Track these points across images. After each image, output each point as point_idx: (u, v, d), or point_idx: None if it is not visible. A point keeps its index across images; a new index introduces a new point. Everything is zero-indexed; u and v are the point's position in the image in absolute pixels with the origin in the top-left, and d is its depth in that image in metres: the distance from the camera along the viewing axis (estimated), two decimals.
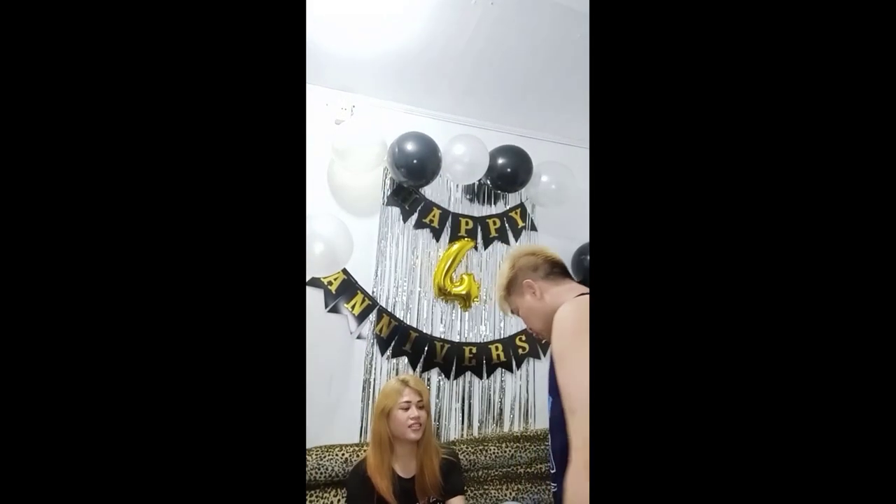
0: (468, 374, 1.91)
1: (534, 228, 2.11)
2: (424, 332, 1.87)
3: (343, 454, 1.56)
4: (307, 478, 1.51)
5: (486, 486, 1.74)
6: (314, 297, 1.75)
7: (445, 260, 1.93)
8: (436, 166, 1.81)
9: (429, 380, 1.85)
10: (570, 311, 0.90)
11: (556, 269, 1.09)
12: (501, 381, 1.96)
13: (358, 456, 1.55)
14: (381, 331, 1.81)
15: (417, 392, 1.40)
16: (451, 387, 1.88)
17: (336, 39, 1.68)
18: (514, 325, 2.00)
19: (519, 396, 1.97)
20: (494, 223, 2.05)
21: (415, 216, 1.94)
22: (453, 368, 1.89)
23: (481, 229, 2.02)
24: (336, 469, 1.54)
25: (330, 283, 1.77)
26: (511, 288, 1.11)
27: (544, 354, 2.02)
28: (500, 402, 1.94)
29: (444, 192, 2.00)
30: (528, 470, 1.82)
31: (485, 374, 1.93)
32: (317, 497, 1.53)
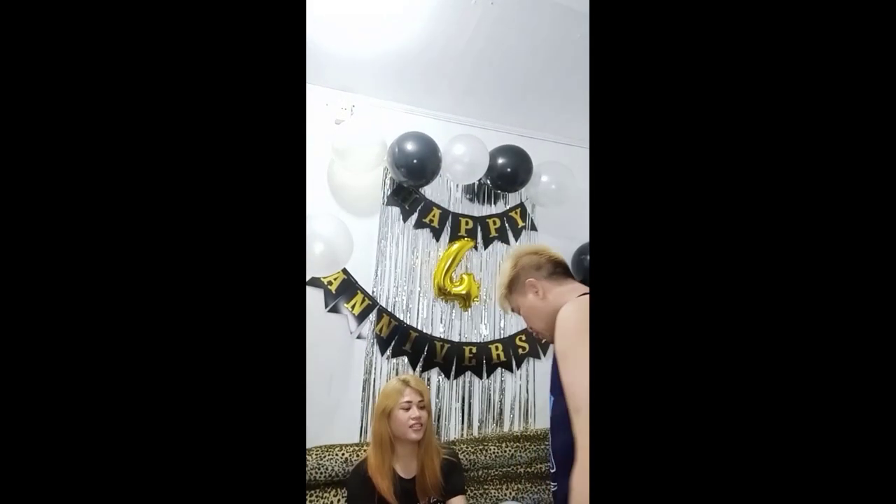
0: (468, 373, 1.91)
1: (534, 228, 2.11)
2: (424, 332, 1.87)
3: (343, 454, 1.56)
4: (307, 478, 1.51)
5: (486, 486, 1.74)
6: (314, 297, 1.75)
7: (445, 260, 1.93)
8: (436, 166, 1.81)
9: (429, 380, 1.85)
10: (574, 310, 0.90)
11: (559, 269, 1.09)
12: (501, 380, 1.96)
13: (358, 456, 1.55)
14: (381, 331, 1.81)
15: (418, 392, 1.39)
16: (451, 387, 1.88)
17: (336, 39, 1.68)
18: (514, 325, 2.00)
19: (519, 396, 1.97)
20: (494, 223, 2.05)
21: (415, 216, 1.94)
22: (453, 368, 1.89)
23: (481, 229, 2.02)
24: (336, 469, 1.54)
25: (330, 283, 1.77)
26: (513, 286, 1.11)
27: (544, 354, 2.02)
28: (500, 401, 1.94)
29: (444, 191, 2.00)
30: (528, 470, 1.82)
31: (485, 374, 1.93)
32: (317, 497, 1.53)
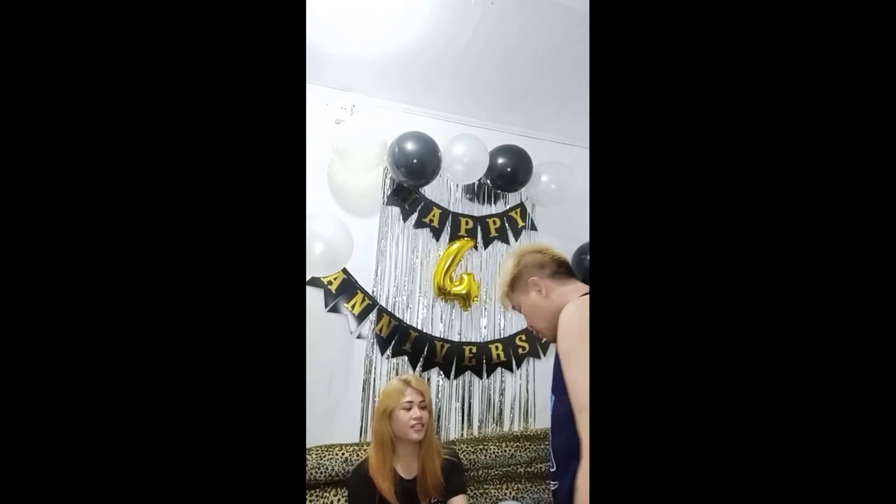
0: (468, 373, 1.91)
1: (534, 228, 2.11)
2: (424, 331, 1.87)
3: (343, 454, 1.56)
4: (307, 477, 1.51)
5: (485, 486, 1.74)
6: (314, 297, 1.75)
7: (445, 259, 1.93)
8: (436, 166, 1.81)
9: (429, 379, 1.85)
10: (576, 310, 0.91)
11: (562, 269, 1.09)
12: (501, 380, 1.96)
13: (358, 456, 1.55)
14: (381, 330, 1.81)
15: (419, 392, 1.39)
16: (451, 386, 1.88)
17: (336, 39, 1.68)
18: (514, 325, 2.00)
19: (519, 396, 1.97)
20: (494, 223, 2.05)
21: (415, 216, 1.94)
22: (453, 368, 1.89)
23: (481, 229, 2.02)
24: (336, 469, 1.54)
25: (330, 282, 1.77)
26: (515, 284, 1.11)
27: (544, 354, 2.03)
28: (500, 401, 1.94)
29: (444, 191, 2.00)
30: (528, 469, 1.82)
31: (485, 374, 1.93)
32: (317, 497, 1.53)
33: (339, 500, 1.53)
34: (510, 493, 1.76)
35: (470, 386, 1.91)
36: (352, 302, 1.79)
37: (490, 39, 1.71)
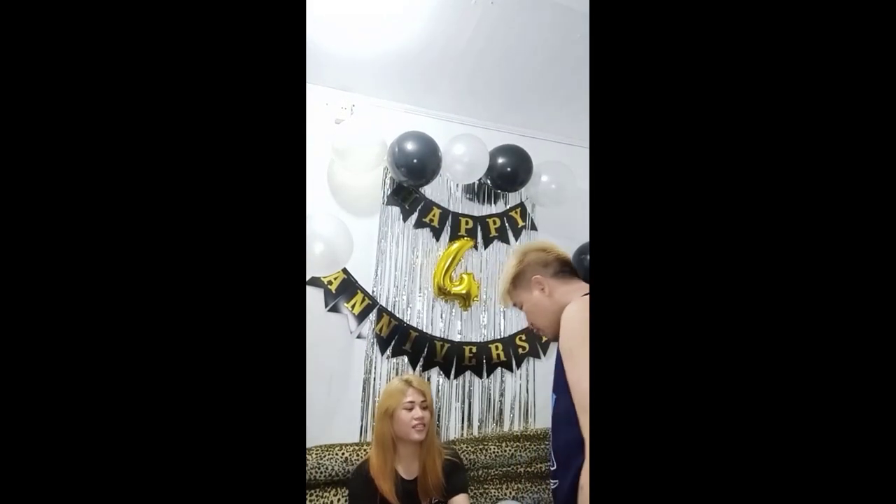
0: (468, 373, 1.91)
1: (534, 228, 2.11)
2: (424, 331, 1.87)
3: (343, 454, 1.56)
4: (307, 477, 1.51)
5: (485, 486, 1.74)
6: (314, 297, 1.75)
7: (445, 259, 1.93)
8: (436, 166, 1.81)
9: (429, 379, 1.85)
10: (579, 309, 0.91)
11: (565, 269, 1.09)
12: (501, 380, 1.96)
13: (358, 456, 1.55)
14: (381, 330, 1.81)
15: (421, 392, 1.39)
16: (451, 386, 1.88)
17: (336, 39, 1.68)
18: (514, 324, 2.00)
19: (519, 396, 1.97)
20: (494, 223, 2.05)
21: (415, 216, 1.94)
22: (453, 368, 1.89)
23: (481, 229, 2.02)
24: (336, 468, 1.54)
25: (330, 282, 1.77)
26: (517, 282, 1.11)
27: (544, 354, 2.03)
28: (500, 401, 1.94)
29: (444, 191, 2.00)
30: (528, 469, 1.82)
31: (485, 374, 1.93)
32: (317, 497, 1.53)
33: (339, 500, 1.53)
34: (510, 493, 1.76)
35: (470, 386, 1.91)
36: (352, 302, 1.79)
37: (490, 39, 1.71)
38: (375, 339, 1.81)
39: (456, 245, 1.96)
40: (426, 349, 1.85)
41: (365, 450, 1.57)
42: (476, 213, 2.03)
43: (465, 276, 1.95)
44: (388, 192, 1.91)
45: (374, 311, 1.82)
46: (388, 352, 1.81)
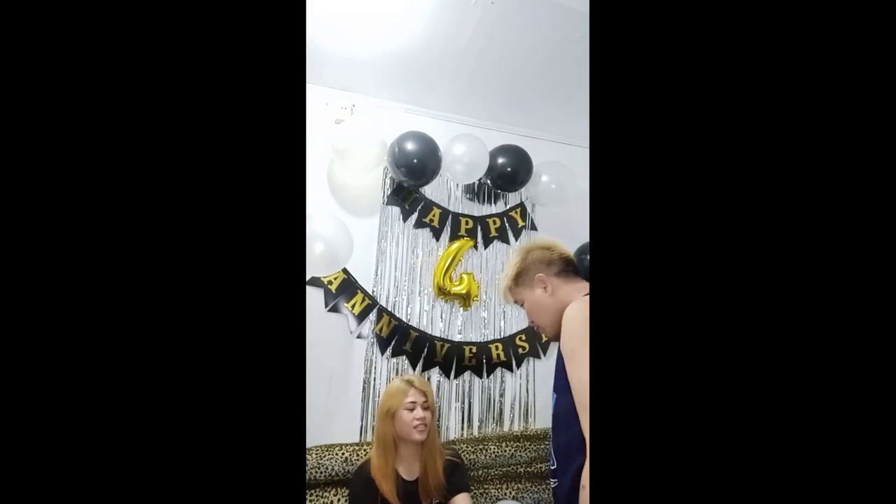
0: (468, 373, 1.91)
1: (534, 228, 2.11)
2: (424, 331, 1.87)
3: (343, 454, 1.56)
4: (307, 477, 1.51)
5: (485, 486, 1.74)
6: (314, 297, 1.75)
7: (444, 259, 1.93)
8: (436, 166, 1.81)
9: (429, 379, 1.85)
10: (580, 308, 0.91)
11: (569, 268, 1.09)
12: (501, 380, 1.96)
13: (358, 456, 1.55)
14: (381, 330, 1.81)
15: (422, 392, 1.39)
16: (451, 386, 1.88)
17: (336, 39, 1.68)
18: (514, 324, 2.00)
19: (519, 396, 1.97)
20: (494, 223, 2.05)
21: (415, 216, 1.94)
22: (453, 368, 1.89)
23: (481, 229, 2.02)
24: (336, 468, 1.54)
25: (330, 282, 1.77)
26: (520, 279, 1.11)
27: (544, 354, 2.03)
28: (500, 401, 1.94)
29: (444, 191, 2.00)
30: (528, 469, 1.82)
31: (485, 374, 1.93)
32: (317, 497, 1.53)
33: (339, 500, 1.53)
34: (510, 493, 1.76)
35: (470, 386, 1.91)
36: (352, 302, 1.79)
37: (490, 39, 1.71)
38: (375, 339, 1.80)
39: (456, 245, 1.96)
40: (426, 349, 1.85)
41: (365, 450, 1.57)
42: (476, 213, 2.03)
43: (465, 276, 1.95)
44: (388, 192, 1.91)
45: (374, 311, 1.82)
46: (388, 352, 1.81)
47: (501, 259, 2.01)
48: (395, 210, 1.92)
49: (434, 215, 1.95)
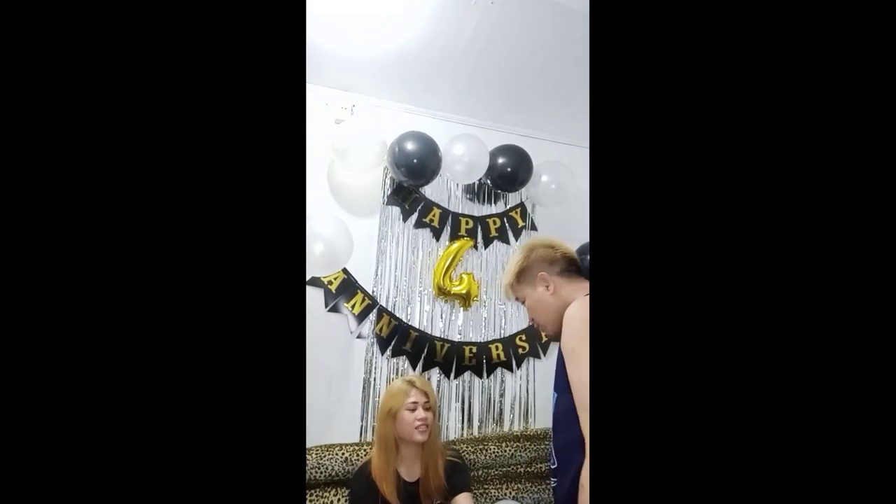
0: (468, 373, 1.91)
1: (534, 228, 2.11)
2: (424, 331, 1.87)
3: (343, 454, 1.56)
4: (307, 477, 1.51)
5: (485, 486, 1.74)
6: (314, 297, 1.75)
7: (444, 259, 1.93)
8: (436, 166, 1.80)
9: (429, 379, 1.85)
10: (581, 308, 0.91)
11: (572, 267, 1.09)
12: (501, 380, 1.96)
13: (358, 456, 1.55)
14: (381, 330, 1.81)
15: (424, 393, 1.38)
16: (451, 386, 1.88)
17: (336, 39, 1.67)
18: (514, 324, 2.00)
19: (519, 396, 1.97)
20: (494, 223, 2.05)
21: (415, 216, 1.94)
22: (453, 368, 1.89)
23: (481, 229, 2.02)
24: (336, 468, 1.54)
25: (330, 282, 1.77)
26: (522, 277, 1.11)
27: (544, 354, 2.03)
28: (500, 401, 1.94)
29: (444, 191, 2.00)
30: (528, 469, 1.82)
31: (485, 374, 1.93)
32: (317, 497, 1.53)
33: (339, 500, 1.53)
34: (510, 493, 1.76)
35: (470, 386, 1.91)
36: (352, 302, 1.79)
37: (490, 39, 1.71)
38: (375, 339, 1.80)
39: (456, 245, 1.96)
40: (426, 349, 1.85)
41: (365, 450, 1.57)
42: (476, 213, 2.03)
43: (465, 276, 1.95)
44: (388, 192, 1.91)
45: (374, 311, 1.81)
46: (388, 352, 1.81)
47: (501, 259, 2.01)
48: (395, 210, 1.92)
49: (434, 215, 1.95)
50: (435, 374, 1.87)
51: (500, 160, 1.92)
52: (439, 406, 1.84)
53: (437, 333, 1.89)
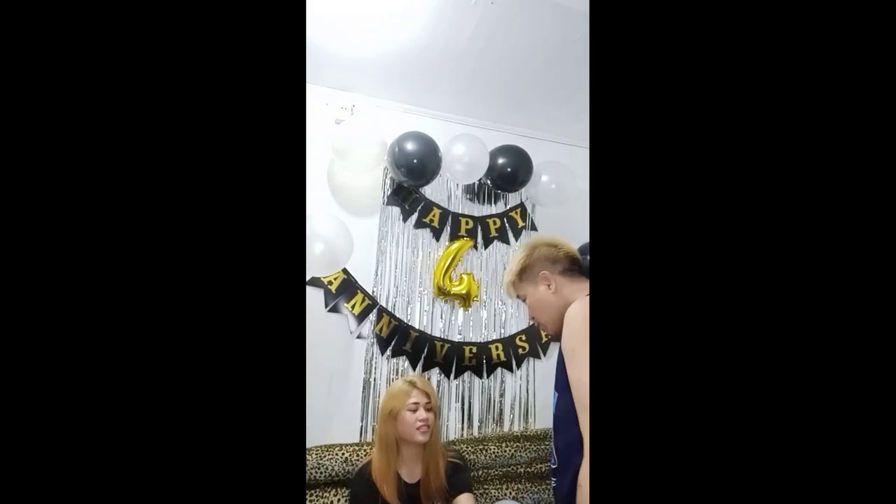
0: (468, 373, 1.91)
1: (534, 228, 2.11)
2: (424, 331, 1.87)
3: (343, 454, 1.56)
4: (307, 478, 1.51)
5: (485, 486, 1.74)
6: (314, 297, 1.75)
7: (444, 259, 1.92)
8: (436, 166, 1.80)
9: (429, 379, 1.85)
10: (582, 308, 0.91)
11: (574, 267, 1.09)
12: (501, 380, 1.96)
13: (358, 456, 1.55)
14: (381, 330, 1.81)
15: (425, 393, 1.38)
16: (451, 386, 1.88)
17: (336, 39, 1.67)
18: (514, 324, 2.00)
19: (519, 396, 1.97)
20: (494, 223, 2.05)
21: (415, 216, 1.93)
22: (453, 368, 1.89)
23: (481, 229, 2.02)
24: (336, 469, 1.54)
25: (330, 282, 1.77)
26: (524, 275, 1.11)
27: (544, 354, 2.02)
28: (500, 402, 1.94)
29: (444, 191, 2.00)
30: (528, 469, 1.81)
31: (485, 374, 1.93)
32: (317, 497, 1.53)
33: (339, 500, 1.53)
34: (510, 493, 1.76)
35: (470, 386, 1.91)
36: (352, 302, 1.79)
37: (490, 39, 1.71)
38: (375, 340, 1.80)
39: (456, 245, 1.95)
40: (426, 349, 1.85)
41: (365, 450, 1.57)
42: (476, 214, 2.03)
43: (465, 276, 1.95)
44: (388, 193, 1.91)
45: (374, 311, 1.81)
46: (389, 352, 1.81)
47: (501, 259, 2.01)
48: (395, 210, 1.92)
49: (434, 215, 1.95)
50: (435, 374, 1.87)
51: (500, 160, 1.92)
52: (439, 406, 1.84)
53: (437, 333, 1.89)
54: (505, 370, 1.96)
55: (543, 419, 1.95)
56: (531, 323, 1.14)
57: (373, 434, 1.68)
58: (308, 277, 1.71)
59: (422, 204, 1.95)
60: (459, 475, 1.40)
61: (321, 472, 1.52)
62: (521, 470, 1.81)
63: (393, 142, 1.79)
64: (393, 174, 1.86)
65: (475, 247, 2.00)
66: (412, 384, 1.39)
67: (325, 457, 1.54)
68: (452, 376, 1.89)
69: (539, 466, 1.82)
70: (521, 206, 2.10)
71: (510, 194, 2.08)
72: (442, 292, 1.91)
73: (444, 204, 1.98)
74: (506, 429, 1.92)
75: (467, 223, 2.00)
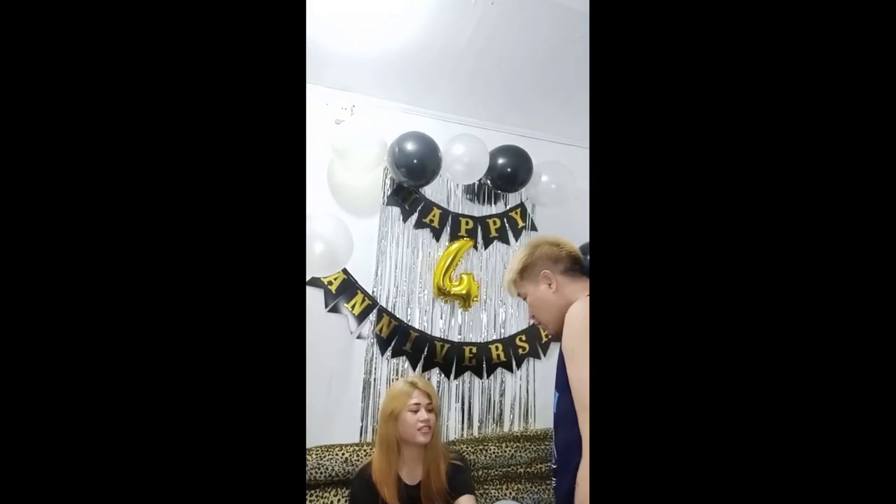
0: (468, 374, 1.91)
1: (534, 228, 2.11)
2: (424, 331, 1.87)
3: (343, 454, 1.56)
4: (307, 478, 1.51)
5: (485, 486, 1.74)
6: (314, 297, 1.75)
7: (444, 259, 1.92)
8: (436, 166, 1.80)
9: (429, 379, 1.84)
10: (583, 308, 0.91)
11: (576, 266, 1.09)
12: (501, 381, 1.96)
13: (358, 456, 1.55)
14: (381, 330, 1.81)
15: (426, 394, 1.37)
16: (451, 387, 1.88)
17: (336, 39, 1.67)
18: (514, 325, 2.00)
19: (519, 396, 1.97)
20: (494, 223, 2.05)
21: (415, 216, 1.93)
22: (453, 368, 1.89)
23: (481, 229, 2.02)
24: (336, 469, 1.54)
25: (330, 282, 1.77)
26: (525, 273, 1.10)
27: (544, 354, 2.02)
28: (500, 402, 1.94)
29: (444, 191, 2.00)
30: (528, 470, 1.81)
31: (485, 374, 1.93)
32: (317, 497, 1.53)
33: (339, 500, 1.53)
34: (510, 493, 1.76)
35: (470, 386, 1.91)
36: (352, 302, 1.79)
37: (490, 39, 1.71)
38: (375, 340, 1.80)
39: (456, 245, 1.95)
40: (426, 349, 1.85)
41: (365, 450, 1.57)
42: (476, 214, 2.03)
43: (464, 277, 1.95)
44: (388, 193, 1.91)
45: (374, 311, 1.81)
46: (389, 352, 1.81)
47: (501, 259, 2.01)
48: (395, 210, 1.92)
49: (434, 216, 1.95)
50: (435, 374, 1.87)
51: (500, 160, 1.92)
52: (439, 407, 1.84)
53: (437, 334, 1.89)
54: (505, 370, 1.96)
55: (543, 419, 1.95)
56: (531, 322, 1.14)
57: (373, 434, 1.68)
58: (308, 277, 1.71)
59: (422, 204, 1.95)
60: (460, 477, 1.39)
61: (321, 473, 1.52)
62: (521, 470, 1.81)
63: (393, 142, 1.79)
64: (393, 174, 1.86)
65: (475, 247, 2.00)
66: (413, 385, 1.38)
67: (325, 457, 1.54)
68: (452, 376, 1.89)
69: (539, 466, 1.82)
70: (521, 206, 2.10)
71: (510, 194, 2.07)
72: (442, 292, 1.91)
73: (444, 204, 1.98)
74: (506, 429, 1.92)
75: (467, 223, 2.00)
